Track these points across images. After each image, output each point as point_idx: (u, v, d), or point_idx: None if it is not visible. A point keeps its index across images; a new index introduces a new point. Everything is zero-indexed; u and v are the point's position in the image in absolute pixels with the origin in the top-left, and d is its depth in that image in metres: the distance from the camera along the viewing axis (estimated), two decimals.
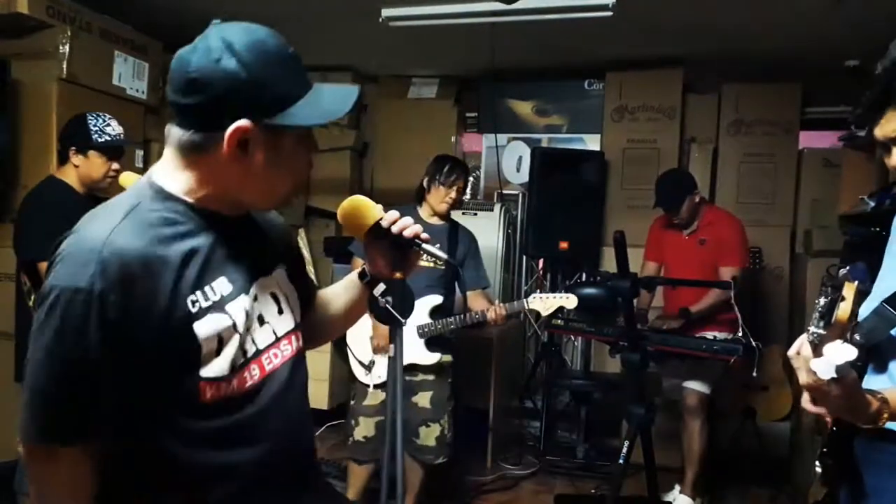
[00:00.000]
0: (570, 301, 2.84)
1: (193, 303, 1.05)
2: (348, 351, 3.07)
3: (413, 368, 2.95)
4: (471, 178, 4.94)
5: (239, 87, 1.00)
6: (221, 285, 1.09)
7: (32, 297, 2.47)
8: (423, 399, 2.99)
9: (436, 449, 3.01)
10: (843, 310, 1.21)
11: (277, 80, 1.03)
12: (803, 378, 1.21)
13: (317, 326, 1.42)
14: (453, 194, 3.00)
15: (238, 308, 1.11)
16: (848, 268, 1.27)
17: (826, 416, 1.48)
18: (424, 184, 3.04)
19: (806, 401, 1.33)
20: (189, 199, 1.08)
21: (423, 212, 3.05)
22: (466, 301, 3.01)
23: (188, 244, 1.06)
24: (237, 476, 1.13)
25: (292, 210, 4.49)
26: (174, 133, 1.07)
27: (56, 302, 0.98)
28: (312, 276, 3.39)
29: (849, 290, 1.22)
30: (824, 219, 4.16)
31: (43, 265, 2.38)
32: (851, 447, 1.49)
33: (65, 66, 3.18)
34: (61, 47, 3.17)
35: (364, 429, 3.01)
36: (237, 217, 1.16)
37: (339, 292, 1.45)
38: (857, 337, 1.42)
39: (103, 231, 1.00)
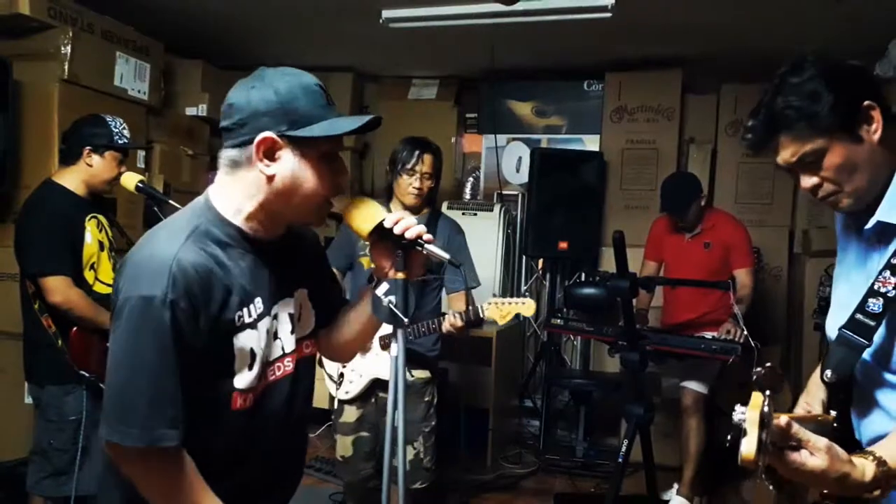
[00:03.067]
0: (526, 307, 2.54)
1: (238, 318, 1.20)
2: (317, 365, 2.94)
3: (381, 385, 2.70)
4: (470, 178, 5.02)
5: (267, 107, 1.17)
6: (258, 305, 1.23)
7: (38, 302, 2.46)
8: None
9: (410, 473, 2.66)
10: (746, 449, 0.94)
11: (301, 104, 1.18)
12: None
13: (339, 341, 1.49)
14: (416, 182, 2.63)
15: (264, 326, 1.25)
16: (755, 374, 1.03)
17: None
18: (389, 177, 2.73)
19: None
20: (238, 223, 1.23)
21: (394, 207, 2.69)
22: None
23: (238, 265, 1.22)
24: (239, 475, 1.25)
25: None
26: (221, 154, 1.24)
27: (134, 310, 1.11)
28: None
29: (753, 416, 0.93)
30: (822, 219, 4.17)
31: (46, 281, 2.38)
32: None
33: (66, 66, 3.19)
34: (63, 48, 3.18)
35: (342, 448, 2.81)
36: (274, 240, 1.29)
37: (354, 304, 1.48)
38: (828, 373, 1.26)
39: (172, 249, 1.14)
